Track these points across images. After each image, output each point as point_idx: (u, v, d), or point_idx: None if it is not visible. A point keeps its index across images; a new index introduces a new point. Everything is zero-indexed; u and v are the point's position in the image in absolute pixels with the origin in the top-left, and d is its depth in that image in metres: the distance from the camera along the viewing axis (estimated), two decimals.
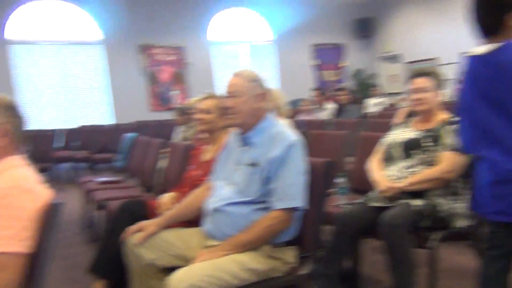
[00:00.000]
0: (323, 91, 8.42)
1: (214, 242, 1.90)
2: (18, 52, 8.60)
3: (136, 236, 1.96)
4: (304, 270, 1.95)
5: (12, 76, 8.48)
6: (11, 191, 1.45)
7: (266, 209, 1.86)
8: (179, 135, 5.07)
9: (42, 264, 1.44)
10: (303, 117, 6.72)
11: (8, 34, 8.50)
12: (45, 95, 8.75)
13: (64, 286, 2.91)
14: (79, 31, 9.12)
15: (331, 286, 2.31)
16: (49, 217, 1.46)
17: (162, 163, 3.72)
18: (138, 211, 2.36)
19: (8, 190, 1.45)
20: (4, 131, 1.57)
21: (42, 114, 8.46)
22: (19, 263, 1.42)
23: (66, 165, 7.64)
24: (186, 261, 1.89)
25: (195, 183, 2.30)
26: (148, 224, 1.99)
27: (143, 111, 9.44)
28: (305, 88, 9.31)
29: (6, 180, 1.49)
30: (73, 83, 9.12)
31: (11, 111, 1.60)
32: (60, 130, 7.72)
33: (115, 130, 7.81)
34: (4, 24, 8.45)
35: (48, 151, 6.60)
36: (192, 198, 2.11)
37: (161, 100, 9.74)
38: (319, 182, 1.95)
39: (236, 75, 1.97)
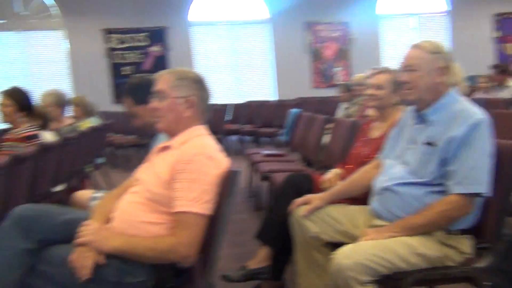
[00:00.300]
0: (506, 67, 7.45)
1: (381, 222, 1.84)
2: (197, 32, 9.44)
3: (302, 208, 2.00)
4: (481, 263, 1.77)
5: (192, 54, 9.36)
6: (195, 157, 1.59)
7: (442, 192, 1.72)
8: (342, 111, 5.02)
9: (220, 226, 1.56)
10: (480, 95, 6.06)
11: (191, 17, 9.36)
12: (218, 72, 9.45)
13: (231, 249, 3.13)
14: (249, 11, 9.58)
15: (509, 285, 2.06)
16: (228, 184, 1.56)
17: (325, 139, 3.72)
18: (303, 184, 2.39)
19: (193, 156, 1.60)
20: (191, 103, 1.72)
21: (215, 89, 9.18)
22: (200, 224, 1.56)
23: (233, 137, 8.19)
24: (350, 238, 1.87)
25: (362, 161, 2.24)
26: (315, 198, 2.01)
27: (305, 88, 9.58)
28: (483, 64, 8.36)
29: (191, 147, 1.64)
30: (242, 61, 9.68)
31: (199, 84, 1.75)
32: (230, 105, 8.30)
33: (278, 106, 8.09)
34: (189, 7, 9.32)
35: (220, 124, 7.14)
36: (359, 175, 2.06)
37: (323, 77, 9.75)
38: (507, 168, 1.73)
39: (415, 46, 1.83)
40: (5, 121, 3.20)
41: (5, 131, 3.49)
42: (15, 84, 3.31)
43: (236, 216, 3.95)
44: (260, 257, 2.38)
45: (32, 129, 3.14)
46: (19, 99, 3.13)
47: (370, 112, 3.02)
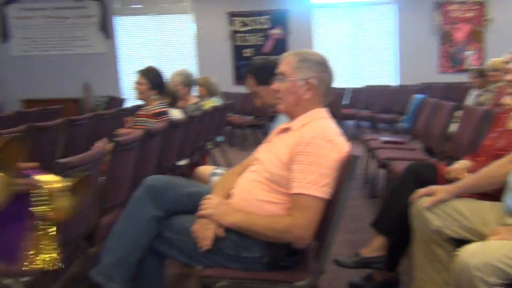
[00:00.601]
0: None
1: None
2: (319, 14, 9.32)
3: (425, 199, 1.88)
4: None
5: (312, 37, 9.30)
6: (315, 140, 1.58)
7: None
8: (472, 99, 4.62)
9: (337, 211, 1.53)
10: None
11: None
12: (338, 55, 9.24)
13: (343, 234, 3.07)
14: None
15: None
16: (347, 168, 1.53)
17: (452, 128, 3.47)
18: (425, 174, 2.25)
19: (313, 139, 1.59)
20: (311, 85, 1.71)
21: (334, 73, 9.04)
22: (317, 207, 1.56)
23: (350, 122, 8.02)
24: (477, 236, 1.74)
25: (496, 153, 2.04)
26: (440, 190, 1.88)
27: (430, 73, 8.99)
28: None
29: (311, 130, 1.64)
30: (363, 44, 9.37)
31: (321, 66, 1.73)
32: (348, 89, 8.12)
33: (399, 91, 7.72)
34: None
35: (337, 108, 7.03)
36: (492, 169, 1.88)
37: (451, 61, 9.06)
38: None
39: None
40: (139, 98, 3.48)
41: (138, 107, 3.82)
42: (148, 65, 3.58)
43: (350, 202, 3.86)
44: (374, 246, 2.31)
45: (162, 107, 3.38)
46: (152, 78, 3.39)
47: (508, 100, 2.74)
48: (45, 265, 1.17)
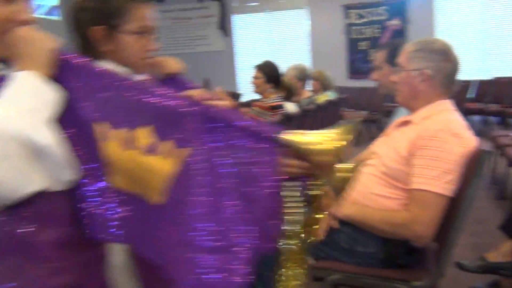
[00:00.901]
0: None
1: None
2: (442, 2, 8.74)
3: None
4: None
5: (433, 26, 8.75)
6: (439, 133, 1.50)
7: None
8: None
9: (461, 211, 1.44)
10: None
11: None
12: (462, 44, 8.54)
13: (465, 237, 2.88)
14: None
15: None
16: (475, 164, 1.43)
17: None
18: None
19: (436, 132, 1.51)
20: (425, 76, 1.61)
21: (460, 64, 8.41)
22: (440, 204, 1.47)
23: (475, 118, 7.42)
24: None
25: None
26: None
27: None
28: None
29: (434, 122, 1.55)
30: (491, 31, 8.57)
31: (440, 55, 1.62)
32: (474, 81, 7.52)
33: None
34: None
35: (461, 102, 6.54)
36: None
37: None
38: None
39: None
40: (256, 92, 3.60)
41: (254, 100, 3.94)
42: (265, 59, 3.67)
43: (475, 203, 3.57)
44: (503, 251, 2.14)
45: (277, 100, 3.45)
46: (268, 72, 3.48)
47: None
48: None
